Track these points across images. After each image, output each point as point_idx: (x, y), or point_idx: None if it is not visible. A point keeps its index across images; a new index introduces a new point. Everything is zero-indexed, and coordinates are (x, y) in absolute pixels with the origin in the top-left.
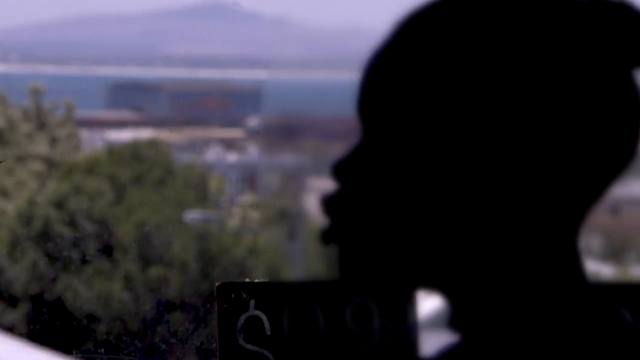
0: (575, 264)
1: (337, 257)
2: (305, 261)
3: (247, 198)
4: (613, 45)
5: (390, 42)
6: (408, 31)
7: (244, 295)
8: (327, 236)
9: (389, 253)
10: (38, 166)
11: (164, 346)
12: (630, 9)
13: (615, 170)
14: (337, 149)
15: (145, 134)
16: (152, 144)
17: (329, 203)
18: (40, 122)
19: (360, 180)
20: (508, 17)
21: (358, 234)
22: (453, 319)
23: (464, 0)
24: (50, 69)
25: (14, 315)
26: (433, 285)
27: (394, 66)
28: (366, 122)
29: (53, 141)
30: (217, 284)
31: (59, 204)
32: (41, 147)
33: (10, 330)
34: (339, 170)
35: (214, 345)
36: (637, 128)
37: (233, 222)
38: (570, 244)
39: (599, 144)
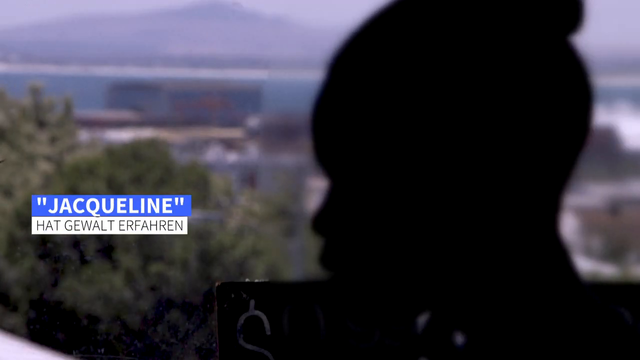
0: (561, 260)
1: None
2: (305, 261)
3: (247, 198)
4: (542, 17)
5: (327, 85)
6: (338, 71)
7: (244, 295)
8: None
9: (385, 285)
10: (39, 166)
11: (164, 346)
12: None
13: (575, 143)
14: None
15: (145, 134)
16: (151, 144)
17: (322, 259)
18: (40, 121)
19: (341, 229)
20: (440, 25)
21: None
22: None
23: (392, 20)
24: (50, 69)
25: (14, 316)
26: (430, 304)
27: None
28: (331, 170)
29: (53, 140)
30: (217, 284)
31: None
32: (42, 146)
33: (11, 330)
34: (318, 225)
35: (214, 345)
36: (587, 99)
37: (233, 222)
38: (551, 237)
39: (551, 121)
